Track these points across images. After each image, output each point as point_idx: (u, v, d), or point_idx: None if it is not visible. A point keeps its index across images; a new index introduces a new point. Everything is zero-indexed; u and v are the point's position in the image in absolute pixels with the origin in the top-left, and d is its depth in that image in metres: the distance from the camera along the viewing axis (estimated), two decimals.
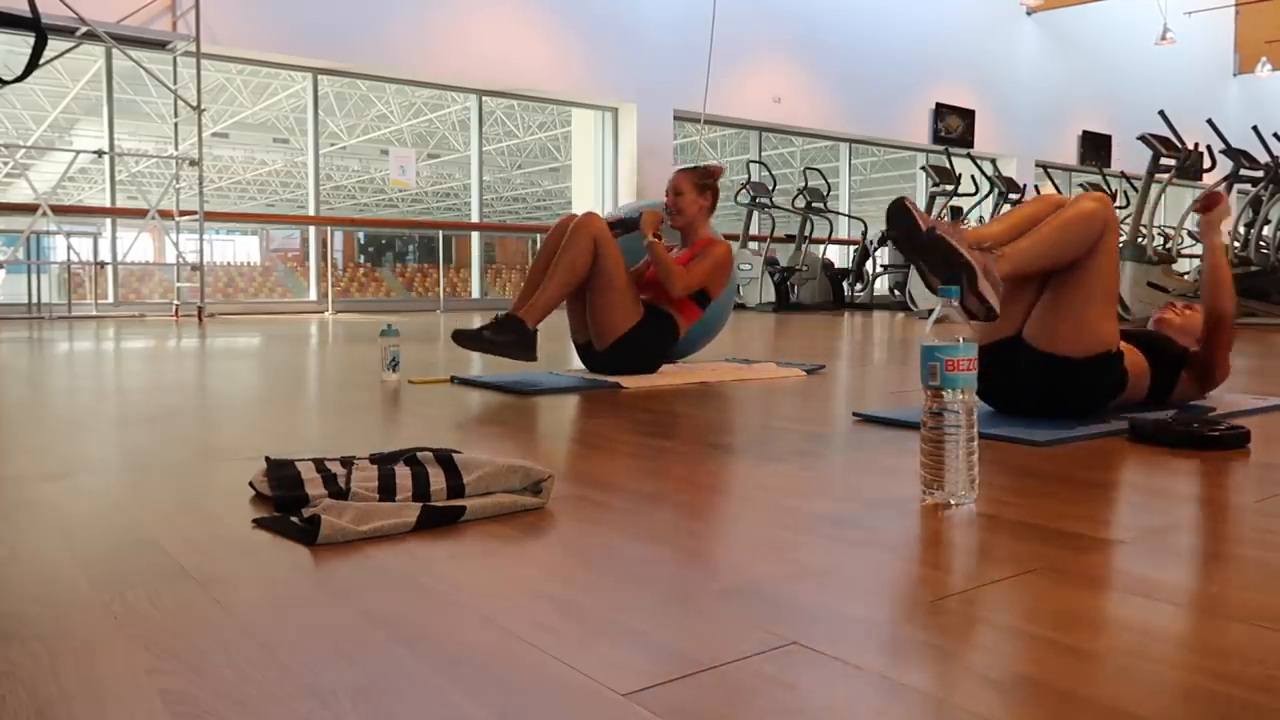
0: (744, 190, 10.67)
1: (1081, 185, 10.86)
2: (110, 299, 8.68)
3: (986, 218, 10.62)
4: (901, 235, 1.87)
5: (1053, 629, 0.89)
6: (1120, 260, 2.54)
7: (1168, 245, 8.30)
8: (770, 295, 10.38)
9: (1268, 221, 7.97)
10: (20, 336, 5.37)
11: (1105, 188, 10.04)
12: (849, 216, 12.42)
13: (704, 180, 3.29)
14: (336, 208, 24.71)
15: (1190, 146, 7.86)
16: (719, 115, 11.58)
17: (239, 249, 27.34)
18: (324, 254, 10.38)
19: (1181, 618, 0.93)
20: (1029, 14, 14.84)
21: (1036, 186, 13.14)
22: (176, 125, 8.76)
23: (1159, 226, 9.31)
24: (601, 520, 1.30)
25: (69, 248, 7.76)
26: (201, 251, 7.96)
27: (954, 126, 13.86)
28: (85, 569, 1.06)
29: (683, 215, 3.27)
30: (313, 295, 10.12)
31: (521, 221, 26.14)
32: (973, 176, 10.46)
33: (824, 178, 11.19)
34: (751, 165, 11.06)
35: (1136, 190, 7.92)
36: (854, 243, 11.93)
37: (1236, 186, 7.96)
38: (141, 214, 8.22)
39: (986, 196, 10.43)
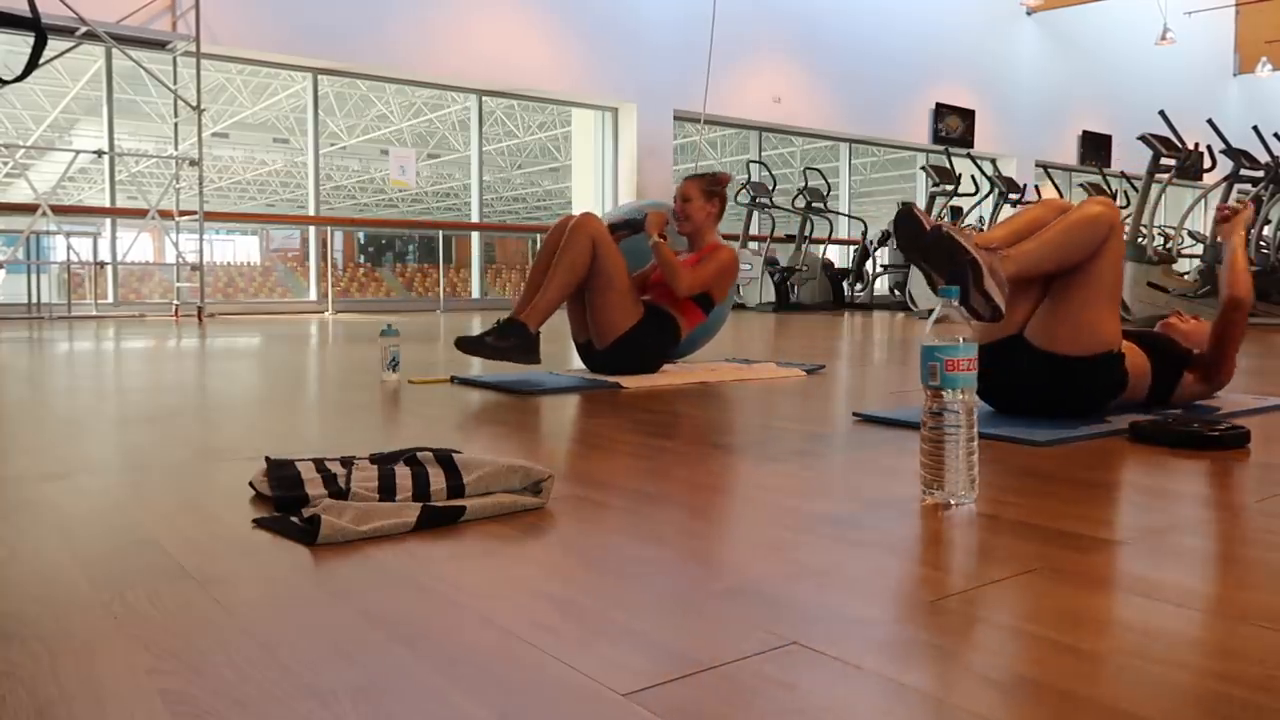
0: (744, 190, 10.67)
1: (1081, 185, 10.86)
2: (110, 299, 8.69)
3: (986, 218, 10.62)
4: (907, 238, 1.88)
5: (1053, 629, 0.89)
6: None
7: (1168, 245, 8.30)
8: (770, 295, 10.39)
9: (1268, 221, 7.96)
10: (20, 336, 5.37)
11: (1105, 188, 10.04)
12: (849, 216, 12.42)
13: (712, 187, 3.32)
14: (336, 208, 24.72)
15: (1190, 146, 7.85)
16: (719, 115, 11.58)
17: (239, 249, 27.36)
18: (324, 254, 10.38)
19: (1182, 618, 0.93)
20: (1029, 14, 14.84)
21: (1036, 187, 13.13)
22: (176, 125, 8.76)
23: (1159, 226, 9.30)
24: (601, 520, 1.30)
25: (69, 248, 7.76)
26: (201, 251, 7.96)
27: (954, 126, 13.86)
28: (85, 569, 1.06)
29: (691, 221, 3.29)
30: (313, 295, 10.12)
31: (521, 221, 26.16)
32: (973, 176, 10.46)
33: (824, 178, 11.19)
34: (751, 165, 11.06)
35: (1136, 190, 7.92)
36: (854, 243, 11.93)
37: (1236, 186, 7.96)
38: (141, 214, 8.22)
39: (986, 196, 10.43)
